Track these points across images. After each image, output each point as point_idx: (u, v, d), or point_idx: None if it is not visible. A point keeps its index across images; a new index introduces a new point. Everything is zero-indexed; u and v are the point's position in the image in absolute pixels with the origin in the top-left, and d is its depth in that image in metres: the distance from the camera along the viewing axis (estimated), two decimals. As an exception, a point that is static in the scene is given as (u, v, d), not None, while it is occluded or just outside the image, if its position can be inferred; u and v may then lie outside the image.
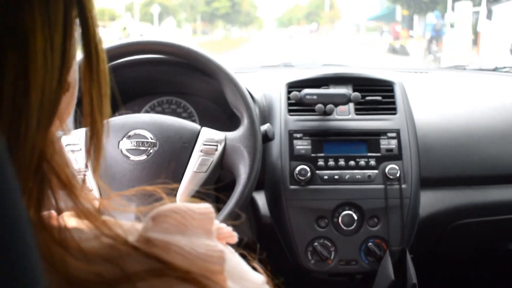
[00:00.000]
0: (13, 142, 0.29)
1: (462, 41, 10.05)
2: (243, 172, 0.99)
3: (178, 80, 1.27)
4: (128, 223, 0.36)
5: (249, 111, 1.03)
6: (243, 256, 0.41)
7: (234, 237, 0.41)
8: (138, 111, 1.32)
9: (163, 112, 1.32)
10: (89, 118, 0.38)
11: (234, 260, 0.37)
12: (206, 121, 1.31)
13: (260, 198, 1.22)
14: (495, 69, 1.70)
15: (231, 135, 1.02)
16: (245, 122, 1.02)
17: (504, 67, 1.71)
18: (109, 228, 0.32)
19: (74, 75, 0.39)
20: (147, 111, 1.32)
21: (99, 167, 0.40)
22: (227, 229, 0.40)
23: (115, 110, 1.32)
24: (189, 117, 1.33)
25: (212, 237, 0.34)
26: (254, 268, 0.40)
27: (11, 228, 0.21)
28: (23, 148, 0.29)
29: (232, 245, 0.40)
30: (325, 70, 1.30)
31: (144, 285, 0.30)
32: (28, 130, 0.30)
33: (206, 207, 0.35)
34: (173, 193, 0.96)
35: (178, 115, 1.32)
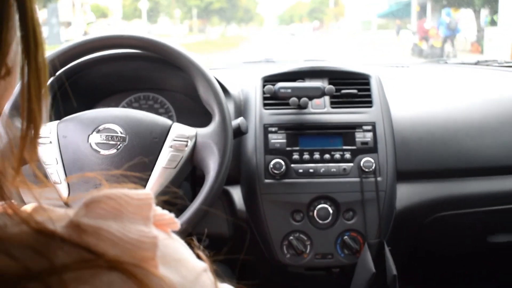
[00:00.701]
0: None
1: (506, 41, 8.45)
2: (212, 169, 0.98)
3: (154, 76, 1.26)
4: (61, 210, 0.35)
5: (220, 107, 1.02)
6: (188, 244, 0.40)
7: (177, 224, 0.40)
8: (116, 107, 1.32)
9: (140, 107, 1.32)
10: (26, 104, 0.36)
11: (172, 246, 0.36)
12: (183, 117, 1.31)
13: (236, 193, 1.21)
14: (476, 63, 1.70)
15: (202, 131, 1.02)
16: (216, 118, 1.02)
17: (486, 61, 1.70)
18: (29, 215, 0.31)
19: (14, 59, 0.38)
20: (123, 107, 1.32)
21: (36, 157, 0.39)
22: (169, 216, 0.39)
23: (91, 107, 1.32)
24: (166, 113, 1.32)
25: (148, 223, 0.33)
26: (198, 256, 0.39)
27: None
28: None
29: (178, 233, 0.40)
30: (302, 64, 1.29)
31: (71, 276, 0.29)
32: None
33: (145, 193, 0.34)
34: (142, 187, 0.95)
35: (155, 111, 1.31)
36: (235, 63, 1.74)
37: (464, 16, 12.79)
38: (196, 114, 1.29)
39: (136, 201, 0.33)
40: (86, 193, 0.35)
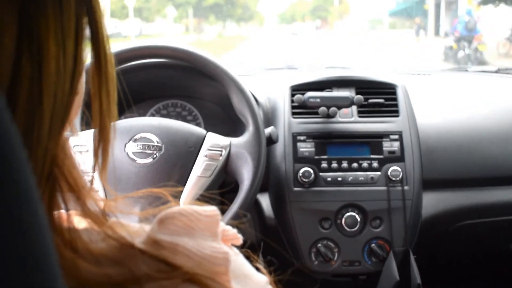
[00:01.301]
0: (25, 148, 0.30)
1: None
2: (246, 178, 1.00)
3: (183, 83, 1.29)
4: (136, 225, 0.37)
5: (254, 117, 1.04)
6: (247, 257, 0.42)
7: (239, 239, 0.42)
8: (144, 114, 1.34)
9: (168, 115, 1.34)
10: (98, 121, 0.39)
11: (239, 261, 0.39)
12: (210, 124, 1.33)
13: (265, 200, 1.23)
14: (497, 71, 1.71)
15: (236, 141, 1.04)
16: (250, 128, 1.04)
17: (506, 69, 1.72)
18: (113, 231, 0.34)
19: (82, 78, 0.40)
20: (152, 114, 1.34)
21: (106, 170, 0.41)
22: (232, 231, 0.41)
23: (121, 113, 1.35)
24: (194, 120, 1.34)
25: (217, 239, 0.35)
26: (258, 269, 0.42)
27: (33, 233, 0.22)
28: (35, 154, 0.30)
29: (237, 246, 0.42)
30: (329, 73, 1.31)
31: (152, 286, 0.31)
32: (40, 136, 0.30)
33: (212, 209, 0.36)
34: (177, 197, 0.98)
35: (183, 118, 1.34)
36: (257, 70, 1.76)
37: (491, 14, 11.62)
38: (224, 122, 1.32)
39: (204, 217, 0.35)
40: (156, 209, 0.37)
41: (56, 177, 0.32)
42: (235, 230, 0.42)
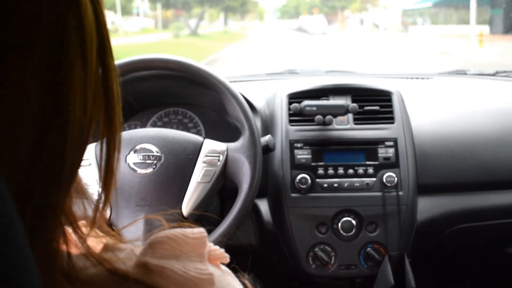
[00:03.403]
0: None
1: None
2: (245, 182, 1.04)
3: (183, 92, 1.32)
4: (128, 246, 0.40)
5: (248, 122, 1.08)
6: (235, 271, 0.46)
7: (226, 258, 0.45)
8: (146, 122, 1.38)
9: (169, 122, 1.38)
10: (104, 134, 0.39)
11: (225, 281, 0.41)
12: (211, 131, 1.37)
13: (263, 205, 1.27)
14: (495, 74, 1.73)
15: (232, 145, 1.07)
16: (245, 133, 1.07)
17: (504, 71, 1.73)
18: (109, 263, 0.36)
19: None
20: (154, 122, 1.38)
21: (113, 183, 0.40)
22: (220, 251, 0.45)
23: (125, 121, 1.39)
24: (195, 127, 1.38)
25: (204, 260, 0.38)
26: (245, 286, 0.45)
27: (16, 268, 0.23)
28: (48, 206, 0.32)
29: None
30: (326, 80, 1.34)
31: None
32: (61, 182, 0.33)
33: (200, 231, 0.39)
34: (179, 204, 1.02)
35: (184, 125, 1.38)
36: (259, 74, 1.79)
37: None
38: (224, 128, 1.35)
39: (192, 240, 0.38)
40: (146, 235, 0.40)
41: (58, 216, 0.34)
42: (222, 250, 0.45)
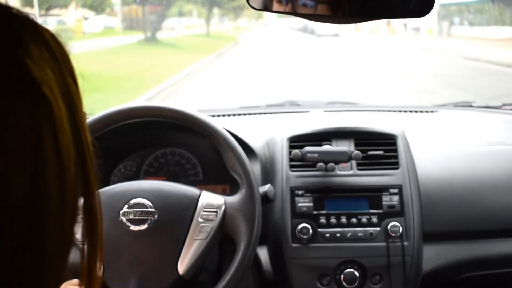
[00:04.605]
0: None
1: None
2: (242, 240, 1.00)
3: (180, 135, 1.28)
4: None
5: (247, 176, 1.04)
6: None
7: None
8: (142, 163, 1.34)
9: (166, 164, 1.34)
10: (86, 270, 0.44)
11: None
12: (209, 172, 1.33)
13: (263, 253, 1.23)
14: (501, 107, 1.69)
15: (230, 199, 1.03)
16: (243, 187, 1.03)
17: (510, 104, 1.69)
18: None
19: None
20: (151, 163, 1.34)
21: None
22: None
23: (120, 161, 1.35)
24: (193, 169, 1.34)
25: None
26: None
27: None
28: None
29: None
30: (328, 122, 1.30)
31: None
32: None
33: None
34: (175, 262, 0.97)
35: (182, 167, 1.34)
36: (259, 106, 1.75)
37: None
38: (222, 169, 1.31)
39: None
40: None
41: None
42: None
